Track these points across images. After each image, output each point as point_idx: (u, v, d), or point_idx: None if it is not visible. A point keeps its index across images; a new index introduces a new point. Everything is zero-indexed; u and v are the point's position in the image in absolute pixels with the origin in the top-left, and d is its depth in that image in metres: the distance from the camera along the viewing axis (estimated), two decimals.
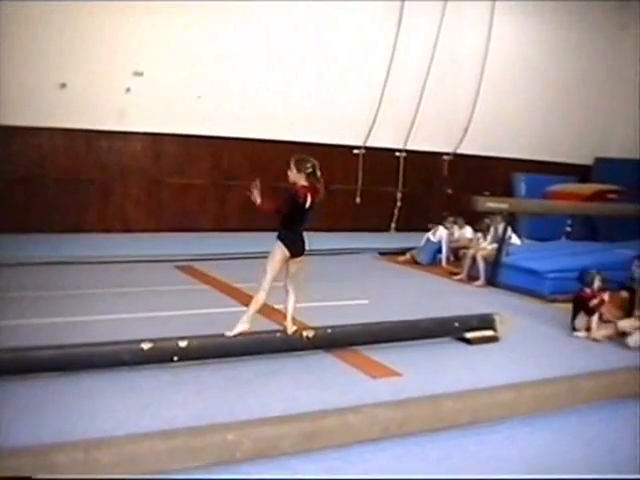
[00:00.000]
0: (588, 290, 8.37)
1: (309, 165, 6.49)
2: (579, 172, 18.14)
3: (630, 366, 6.46)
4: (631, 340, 8.00)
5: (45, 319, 7.35)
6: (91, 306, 8.09)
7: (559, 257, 11.31)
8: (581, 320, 8.43)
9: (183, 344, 6.11)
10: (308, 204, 6.51)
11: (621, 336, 8.17)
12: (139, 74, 13.20)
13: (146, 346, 5.96)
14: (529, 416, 5.55)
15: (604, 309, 8.40)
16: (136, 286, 9.37)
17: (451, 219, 13.10)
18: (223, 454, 4.42)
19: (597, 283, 8.38)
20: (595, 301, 8.29)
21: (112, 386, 5.71)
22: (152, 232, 13.38)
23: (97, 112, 12.83)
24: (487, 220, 12.15)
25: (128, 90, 13.12)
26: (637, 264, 8.71)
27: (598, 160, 18.74)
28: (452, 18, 15.86)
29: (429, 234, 12.95)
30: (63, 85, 12.51)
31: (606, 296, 8.38)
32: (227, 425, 4.61)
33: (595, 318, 8.28)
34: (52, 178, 12.69)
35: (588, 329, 8.31)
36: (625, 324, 8.24)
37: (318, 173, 6.51)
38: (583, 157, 18.56)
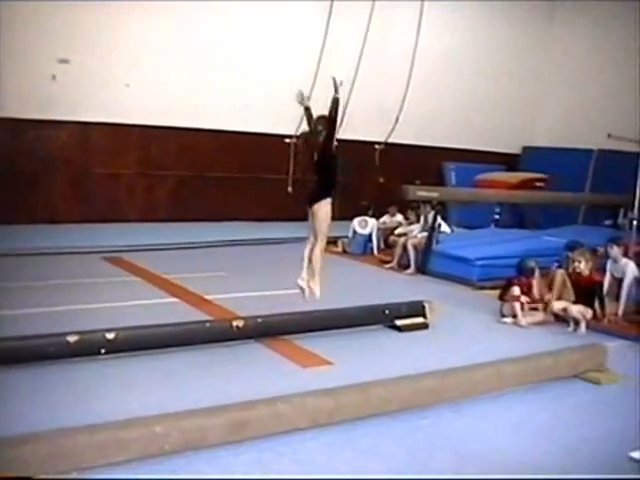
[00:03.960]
0: (517, 280, 8.57)
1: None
2: (507, 161, 18.45)
3: (553, 350, 6.60)
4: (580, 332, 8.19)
5: None
6: (15, 299, 7.87)
7: (487, 245, 11.49)
8: (508, 307, 8.60)
9: (110, 336, 6.01)
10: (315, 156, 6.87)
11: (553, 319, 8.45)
12: (65, 61, 12.90)
13: (72, 339, 5.85)
14: (457, 402, 5.62)
15: (522, 298, 8.54)
16: (63, 278, 9.16)
17: (370, 211, 13.21)
18: (151, 447, 4.36)
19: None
20: (515, 293, 8.46)
21: (37, 381, 5.58)
22: (79, 223, 13.08)
23: (22, 100, 12.49)
24: (410, 211, 12.38)
25: (54, 78, 12.81)
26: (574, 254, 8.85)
27: (525, 149, 19.11)
28: (383, 9, 15.88)
29: (355, 224, 12.97)
30: None
31: (523, 299, 8.53)
32: (155, 417, 4.54)
33: (517, 305, 8.44)
34: None
35: (515, 315, 8.47)
36: (559, 306, 8.41)
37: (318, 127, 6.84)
38: (511, 146, 18.89)
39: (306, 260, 6.97)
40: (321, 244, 6.92)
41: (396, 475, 4.48)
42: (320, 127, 6.82)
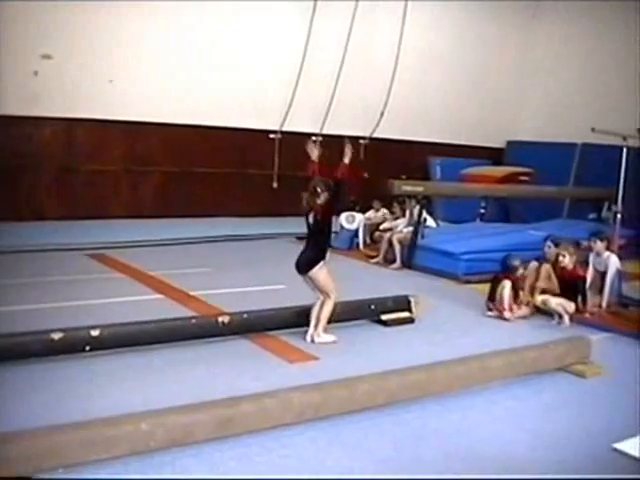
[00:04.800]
0: (504, 276, 8.58)
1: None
2: (492, 155, 18.54)
3: (539, 344, 6.62)
4: (564, 325, 8.22)
5: None
6: (1, 297, 7.83)
7: (473, 239, 11.52)
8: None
9: (95, 333, 5.99)
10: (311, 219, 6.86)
11: (534, 313, 8.49)
12: (48, 57, 12.81)
13: (56, 336, 5.82)
14: (443, 395, 5.63)
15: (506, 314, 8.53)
16: (47, 275, 9.13)
17: (357, 206, 13.20)
18: (137, 444, 4.33)
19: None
20: (506, 287, 8.45)
21: (22, 379, 5.55)
22: (64, 220, 13.03)
23: (4, 97, 12.40)
24: (395, 205, 12.41)
25: (36, 74, 12.73)
26: (548, 244, 8.90)
27: (510, 143, 19.17)
28: (367, 7, 15.90)
29: (342, 219, 12.92)
30: None
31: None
32: (141, 415, 4.52)
33: (506, 297, 8.44)
34: None
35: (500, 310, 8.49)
36: (540, 299, 8.43)
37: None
38: (496, 140, 18.98)
39: (314, 320, 6.98)
40: (332, 300, 6.94)
41: (386, 475, 4.49)
42: (319, 188, 6.71)
